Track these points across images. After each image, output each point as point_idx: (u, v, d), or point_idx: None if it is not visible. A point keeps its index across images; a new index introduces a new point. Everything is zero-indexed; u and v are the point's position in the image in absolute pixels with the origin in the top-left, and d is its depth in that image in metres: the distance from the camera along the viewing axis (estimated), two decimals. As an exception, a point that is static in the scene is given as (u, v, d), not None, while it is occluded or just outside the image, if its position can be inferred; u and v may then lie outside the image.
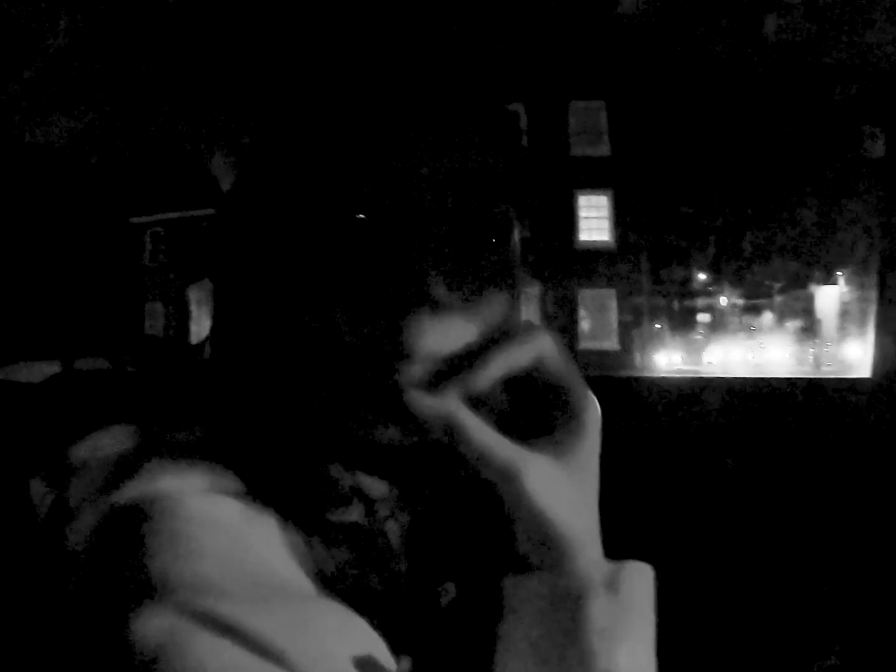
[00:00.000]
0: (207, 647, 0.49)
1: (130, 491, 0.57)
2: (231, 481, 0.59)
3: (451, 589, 0.69)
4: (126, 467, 0.59)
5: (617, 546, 0.63)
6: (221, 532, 0.55)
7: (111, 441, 0.62)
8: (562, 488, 0.58)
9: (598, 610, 0.56)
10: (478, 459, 0.56)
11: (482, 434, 0.56)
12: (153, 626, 0.49)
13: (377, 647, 0.56)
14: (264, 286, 0.62)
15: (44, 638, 0.57)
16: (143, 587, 0.51)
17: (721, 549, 1.85)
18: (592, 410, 0.61)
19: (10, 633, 0.61)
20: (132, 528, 0.54)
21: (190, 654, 0.48)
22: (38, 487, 0.61)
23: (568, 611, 0.57)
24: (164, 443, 0.61)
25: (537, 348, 0.60)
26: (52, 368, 0.97)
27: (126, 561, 0.53)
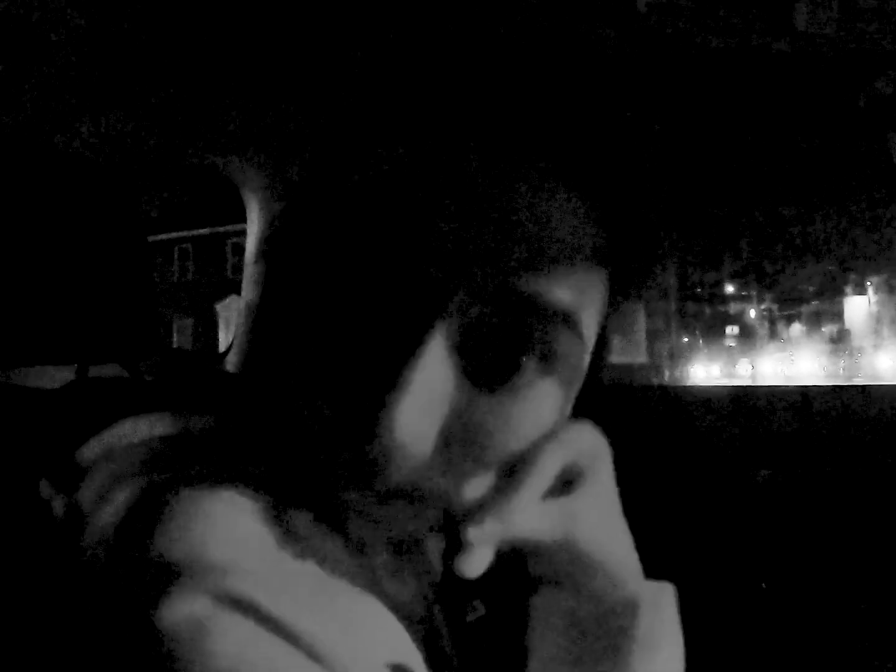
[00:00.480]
0: (239, 630, 0.48)
1: (154, 480, 0.56)
2: (258, 470, 0.57)
3: (479, 606, 0.67)
4: (145, 458, 0.58)
5: (652, 559, 0.65)
6: (251, 519, 0.54)
7: (126, 434, 0.61)
8: (603, 526, 0.60)
9: (644, 627, 0.60)
10: (530, 540, 0.57)
11: (529, 525, 0.56)
12: (184, 609, 0.48)
13: (414, 658, 0.56)
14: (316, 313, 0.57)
15: (67, 636, 0.55)
16: (173, 571, 0.50)
17: (755, 561, 1.83)
18: (605, 450, 0.61)
19: (31, 636, 0.60)
20: (158, 515, 0.53)
21: (221, 637, 0.47)
22: (47, 490, 0.60)
23: (613, 628, 0.61)
24: (186, 434, 0.60)
25: (582, 458, 0.58)
26: (66, 374, 0.96)
27: (154, 546, 0.52)
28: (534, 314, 0.51)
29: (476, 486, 0.53)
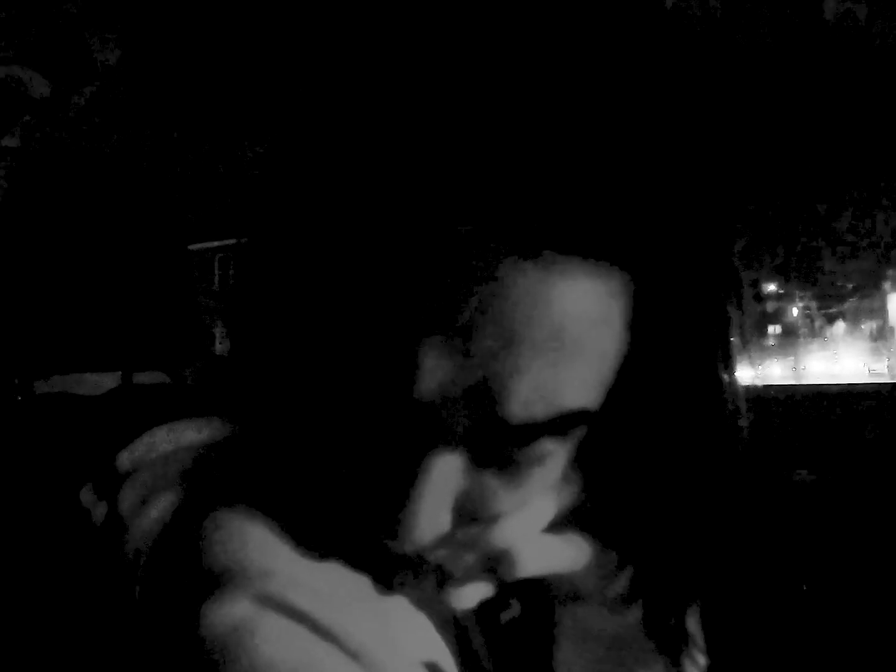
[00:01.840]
0: (283, 634, 0.49)
1: (194, 487, 0.57)
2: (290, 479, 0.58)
3: (514, 604, 0.67)
4: (185, 464, 0.59)
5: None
6: (288, 526, 0.54)
7: (166, 440, 0.61)
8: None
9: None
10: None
11: (530, 560, 0.56)
12: (228, 612, 0.49)
13: (444, 656, 0.57)
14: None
15: (107, 640, 0.57)
16: (216, 577, 0.51)
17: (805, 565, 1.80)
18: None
19: (72, 640, 0.61)
20: (200, 523, 0.54)
21: (265, 640, 0.48)
22: (88, 497, 0.61)
23: (639, 643, 0.61)
24: (228, 440, 0.61)
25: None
26: (110, 381, 0.97)
27: (197, 553, 0.52)
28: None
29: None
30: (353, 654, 0.49)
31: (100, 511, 0.60)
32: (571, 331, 0.45)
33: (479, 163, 0.42)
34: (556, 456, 0.51)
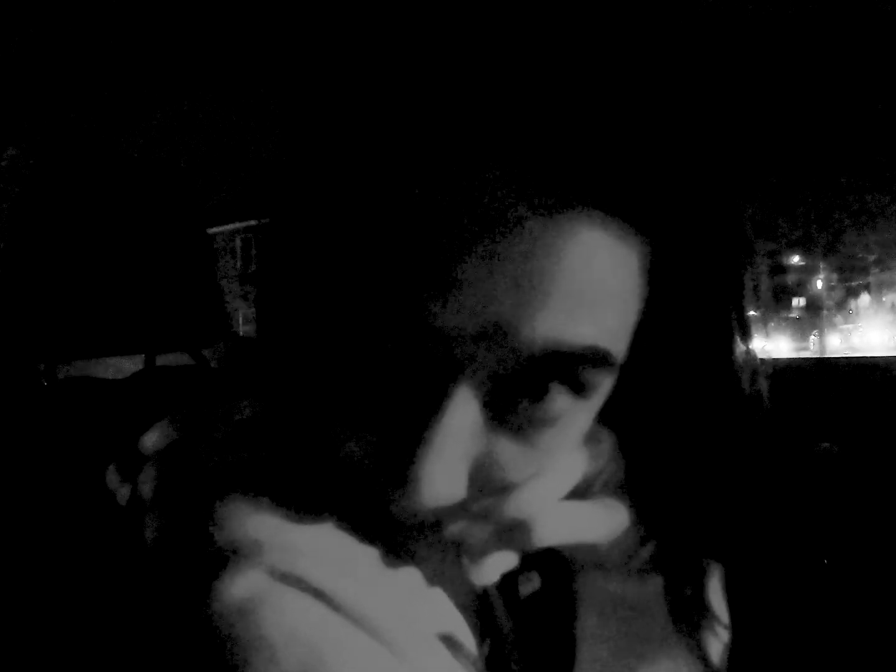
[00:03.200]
0: (297, 607, 0.49)
1: (213, 467, 0.57)
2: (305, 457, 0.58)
3: (534, 578, 0.68)
4: (206, 445, 0.59)
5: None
6: (301, 503, 0.55)
7: (189, 421, 0.62)
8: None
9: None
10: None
11: (549, 529, 0.55)
12: (243, 584, 0.49)
13: (460, 627, 0.56)
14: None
15: (131, 616, 0.58)
16: (232, 551, 0.51)
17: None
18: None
19: (98, 618, 0.62)
20: (217, 501, 0.55)
21: (279, 612, 0.48)
22: (113, 479, 0.62)
23: (660, 612, 0.61)
24: (250, 420, 0.61)
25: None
26: (133, 364, 0.98)
27: (214, 528, 0.53)
28: (558, 354, 0.48)
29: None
30: (367, 628, 0.50)
31: (124, 492, 0.60)
32: (583, 278, 0.46)
33: (508, 114, 0.45)
34: (571, 417, 0.51)
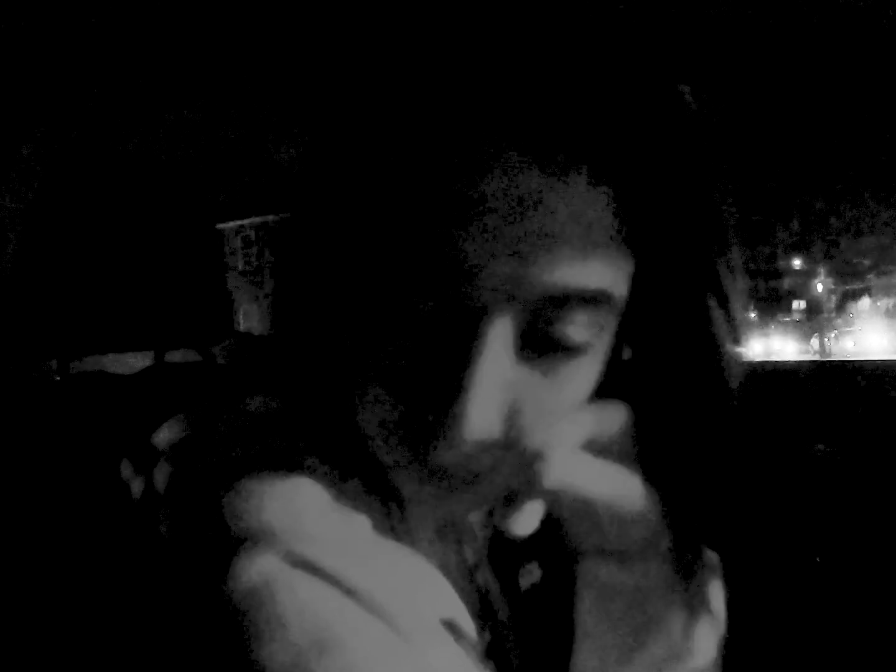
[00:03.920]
0: (309, 591, 0.51)
1: (225, 458, 0.59)
2: (318, 445, 0.60)
3: (534, 569, 0.69)
4: (217, 438, 0.61)
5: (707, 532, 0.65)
6: (313, 490, 0.57)
7: (199, 416, 0.63)
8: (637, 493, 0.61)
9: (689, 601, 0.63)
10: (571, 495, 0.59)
11: (567, 476, 0.58)
12: (255, 568, 0.51)
13: (462, 614, 0.58)
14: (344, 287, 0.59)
15: (146, 607, 0.59)
16: (244, 537, 0.53)
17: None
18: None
19: (113, 608, 0.64)
20: (230, 490, 0.56)
21: (292, 595, 0.50)
22: (127, 471, 0.63)
23: (660, 602, 0.62)
24: (258, 414, 0.63)
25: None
26: (143, 360, 1.00)
27: (228, 515, 0.55)
28: (568, 297, 0.52)
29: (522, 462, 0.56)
30: (376, 613, 0.52)
31: (137, 485, 0.62)
32: (576, 227, 0.52)
33: (510, 79, 0.51)
34: (591, 353, 0.55)
